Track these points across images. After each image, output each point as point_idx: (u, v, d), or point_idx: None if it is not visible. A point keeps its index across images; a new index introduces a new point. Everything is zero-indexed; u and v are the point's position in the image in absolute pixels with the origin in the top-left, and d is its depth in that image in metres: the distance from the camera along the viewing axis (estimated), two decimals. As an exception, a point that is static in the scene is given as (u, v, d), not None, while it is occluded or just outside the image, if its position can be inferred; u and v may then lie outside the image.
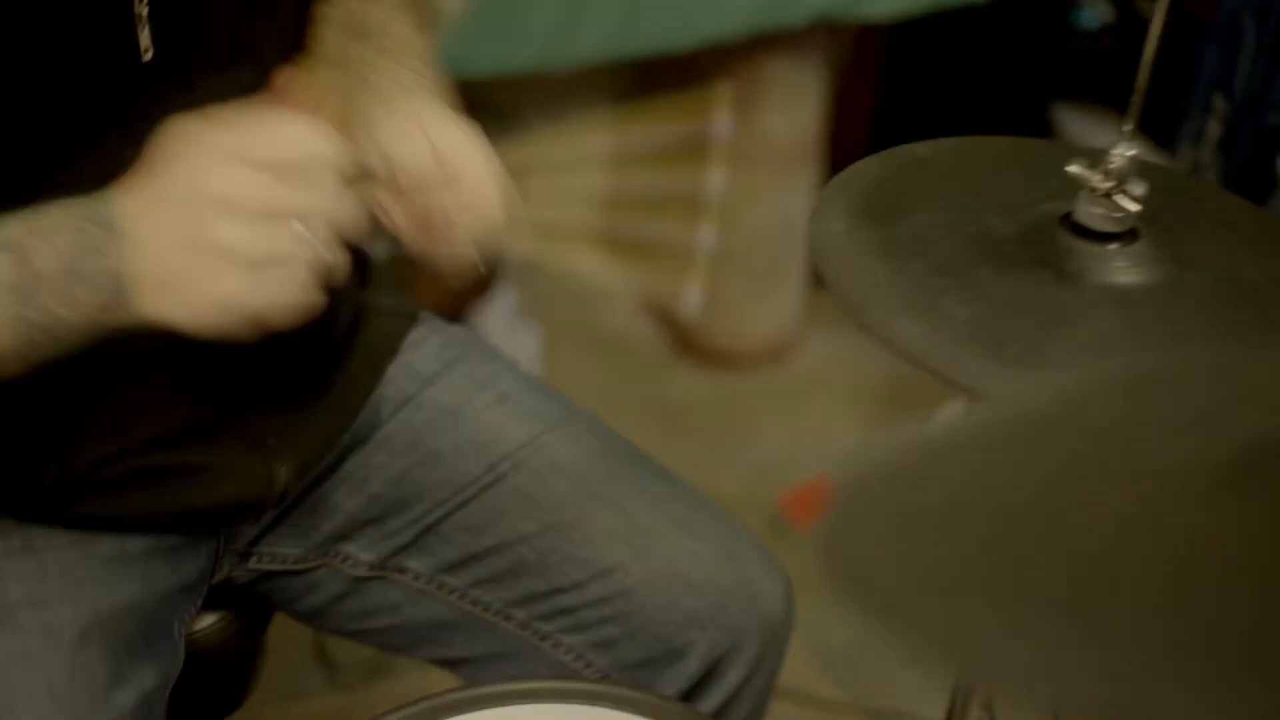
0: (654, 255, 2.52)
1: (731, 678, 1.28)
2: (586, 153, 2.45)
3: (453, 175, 1.14)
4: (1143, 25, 1.35)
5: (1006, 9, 2.38)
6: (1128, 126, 1.12)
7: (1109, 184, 1.10)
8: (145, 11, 1.04)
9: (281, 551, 1.32)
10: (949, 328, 1.03)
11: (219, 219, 0.97)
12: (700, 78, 2.34)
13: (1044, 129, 2.58)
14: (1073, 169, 1.11)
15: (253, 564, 1.32)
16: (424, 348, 1.35)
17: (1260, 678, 0.48)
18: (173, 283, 0.98)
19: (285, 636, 1.43)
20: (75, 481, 1.15)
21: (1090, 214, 1.12)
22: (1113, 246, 1.12)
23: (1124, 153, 1.10)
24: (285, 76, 1.15)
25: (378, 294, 1.34)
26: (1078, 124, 2.61)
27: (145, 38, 1.05)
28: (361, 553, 1.32)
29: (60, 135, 1.05)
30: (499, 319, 2.47)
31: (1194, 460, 0.57)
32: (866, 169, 1.21)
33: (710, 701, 1.28)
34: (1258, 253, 1.16)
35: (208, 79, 1.10)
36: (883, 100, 2.60)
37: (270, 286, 0.98)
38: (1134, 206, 1.10)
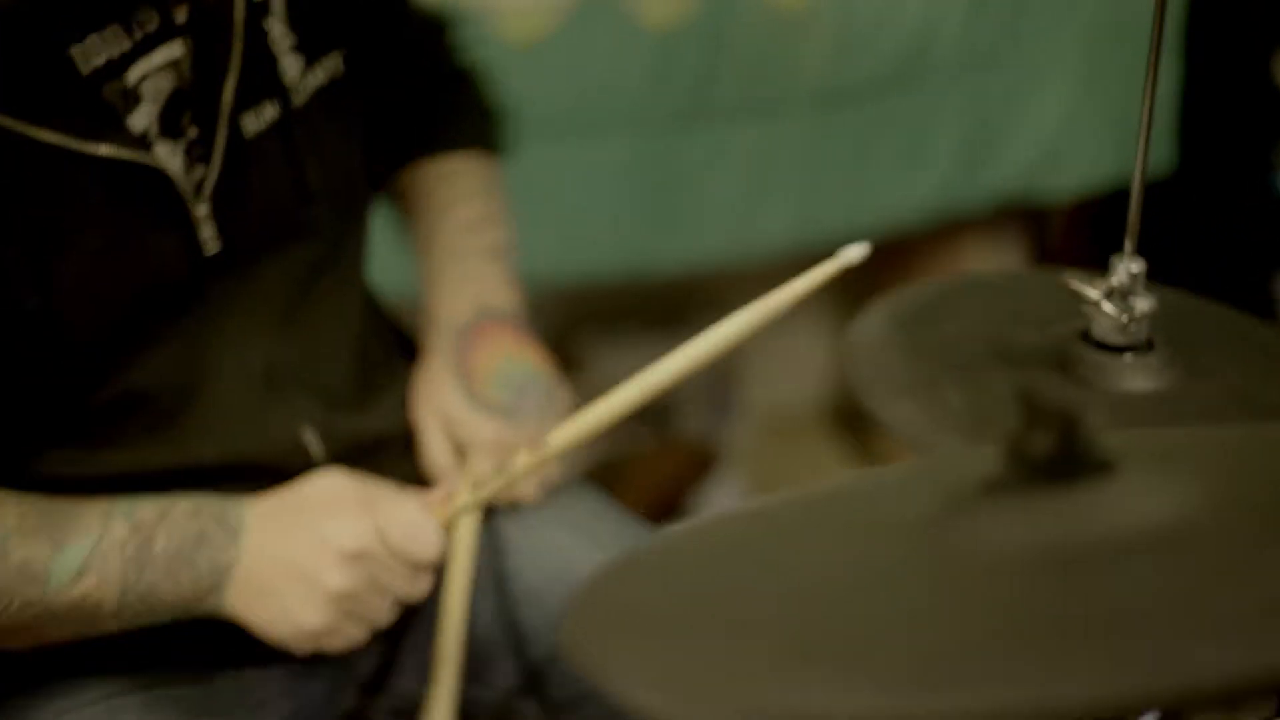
0: (882, 434, 2.62)
1: None
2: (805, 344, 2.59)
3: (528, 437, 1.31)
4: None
5: (1200, 178, 2.44)
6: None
7: (1111, 298, 1.20)
8: (205, 211, 1.21)
9: (403, 687, 1.38)
10: (941, 412, 1.14)
11: (334, 567, 1.16)
12: (904, 273, 2.44)
13: (1266, 300, 2.59)
14: (1074, 284, 1.21)
15: (381, 701, 1.39)
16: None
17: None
18: (269, 596, 1.17)
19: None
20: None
21: (1103, 326, 1.21)
22: (1125, 357, 1.21)
23: (1128, 268, 1.20)
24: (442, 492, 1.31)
25: None
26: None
27: (207, 233, 1.21)
28: (480, 693, 1.37)
29: (135, 329, 1.19)
30: (723, 498, 2.58)
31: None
32: (918, 292, 1.33)
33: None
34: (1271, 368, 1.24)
35: (270, 261, 1.27)
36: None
37: (346, 633, 1.19)
38: (1138, 312, 1.19)
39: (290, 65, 1.27)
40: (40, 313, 1.14)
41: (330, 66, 1.31)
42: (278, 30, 1.26)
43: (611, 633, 0.65)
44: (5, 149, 1.10)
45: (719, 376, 2.62)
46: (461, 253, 1.43)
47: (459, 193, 1.47)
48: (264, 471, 1.25)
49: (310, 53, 1.29)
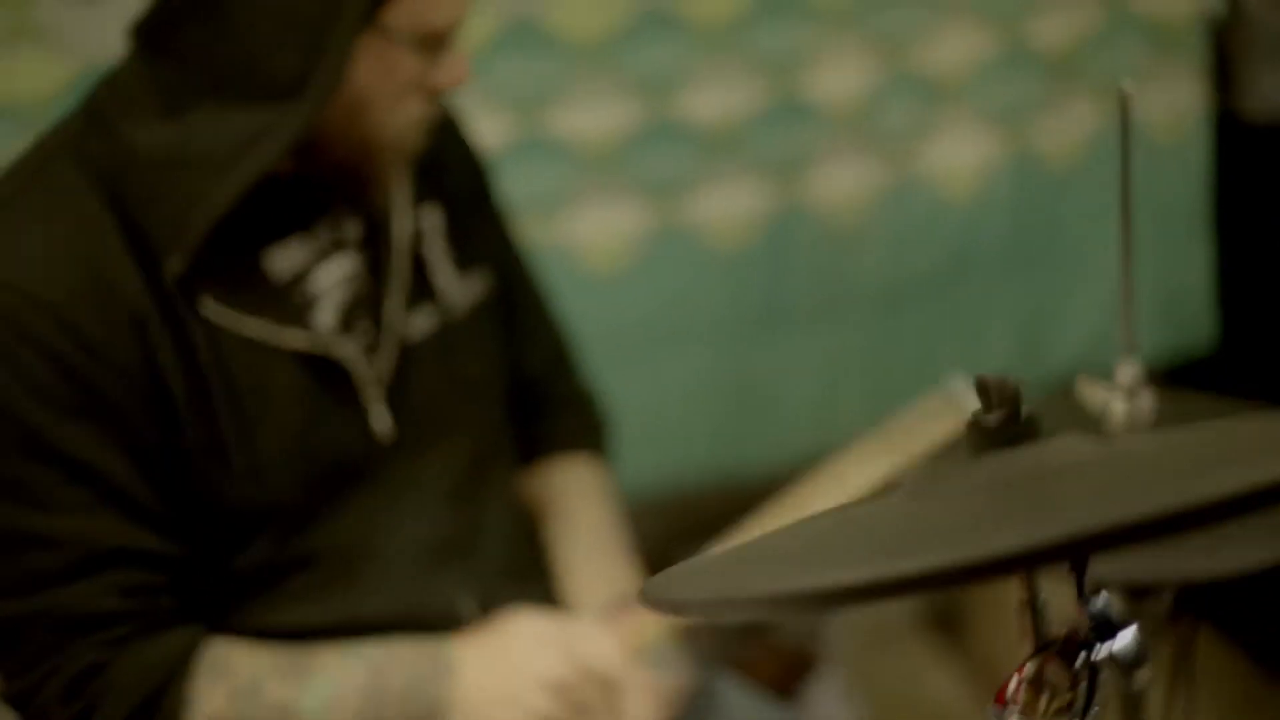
0: (976, 635, 2.73)
1: None
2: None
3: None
4: None
5: (1243, 354, 2.58)
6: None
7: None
8: (379, 401, 1.44)
9: None
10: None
11: (539, 694, 1.37)
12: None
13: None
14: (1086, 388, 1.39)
15: None
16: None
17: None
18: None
19: None
20: None
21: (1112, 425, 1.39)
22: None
23: (1129, 370, 1.38)
24: (622, 604, 1.51)
25: None
26: None
27: (381, 421, 1.45)
28: None
29: (323, 496, 1.42)
30: (823, 698, 2.71)
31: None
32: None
33: None
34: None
35: (436, 448, 1.49)
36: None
37: None
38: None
39: (448, 280, 1.50)
40: (246, 473, 1.36)
41: (482, 284, 1.55)
42: (437, 249, 1.51)
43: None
44: (219, 340, 1.34)
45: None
46: (594, 550, 1.63)
47: (586, 496, 1.69)
48: (424, 630, 1.44)
49: (465, 269, 1.53)
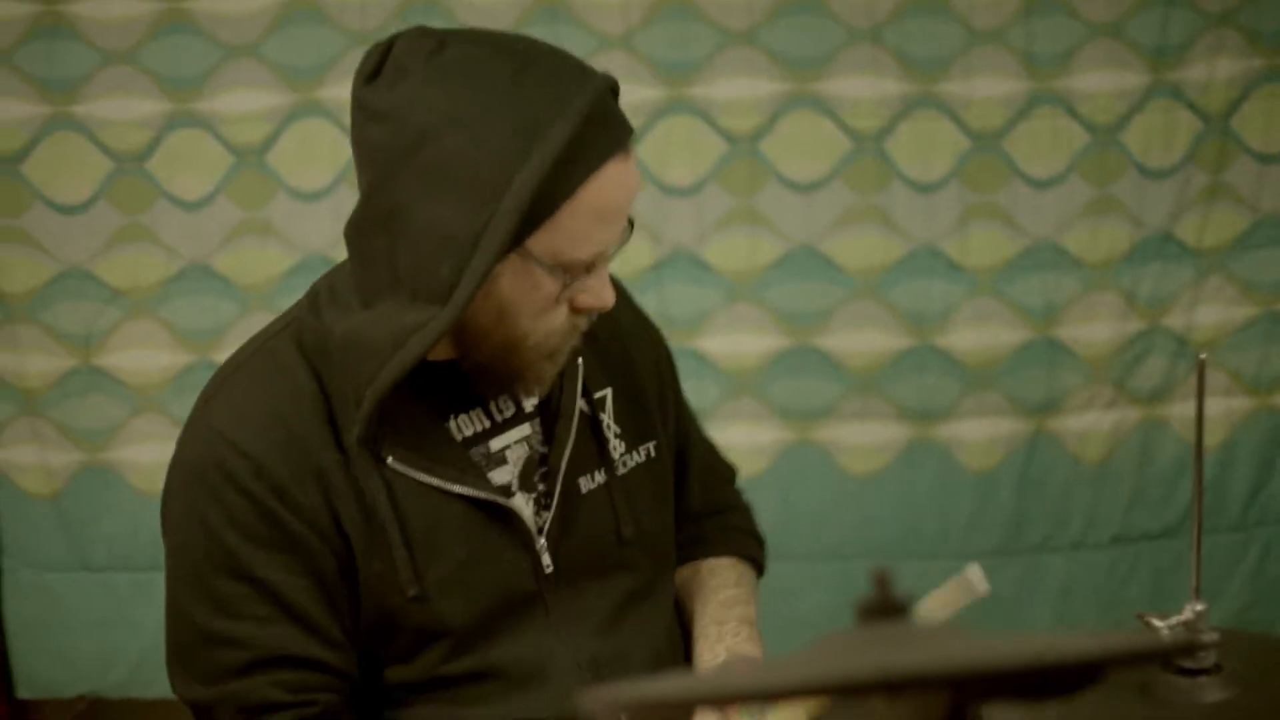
0: None
1: None
2: None
3: None
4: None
5: None
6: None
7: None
8: (544, 544, 1.68)
9: None
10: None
11: None
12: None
13: None
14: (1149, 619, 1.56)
15: None
16: None
17: None
18: None
19: None
20: None
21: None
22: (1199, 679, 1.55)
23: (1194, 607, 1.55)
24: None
25: None
26: None
27: (546, 559, 1.69)
28: None
29: (491, 622, 1.66)
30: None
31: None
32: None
33: None
34: None
35: (594, 585, 1.72)
36: None
37: None
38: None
39: (616, 447, 1.78)
40: (418, 600, 1.63)
41: (645, 451, 1.81)
42: (607, 420, 1.79)
43: None
44: (398, 487, 1.62)
45: None
46: (721, 619, 1.83)
47: (723, 580, 1.90)
48: None
49: (630, 441, 1.79)
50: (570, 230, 1.52)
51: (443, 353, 1.64)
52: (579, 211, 1.52)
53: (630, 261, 2.47)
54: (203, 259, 2.53)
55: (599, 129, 1.51)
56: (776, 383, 2.56)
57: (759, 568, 1.98)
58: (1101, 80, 2.49)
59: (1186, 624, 1.56)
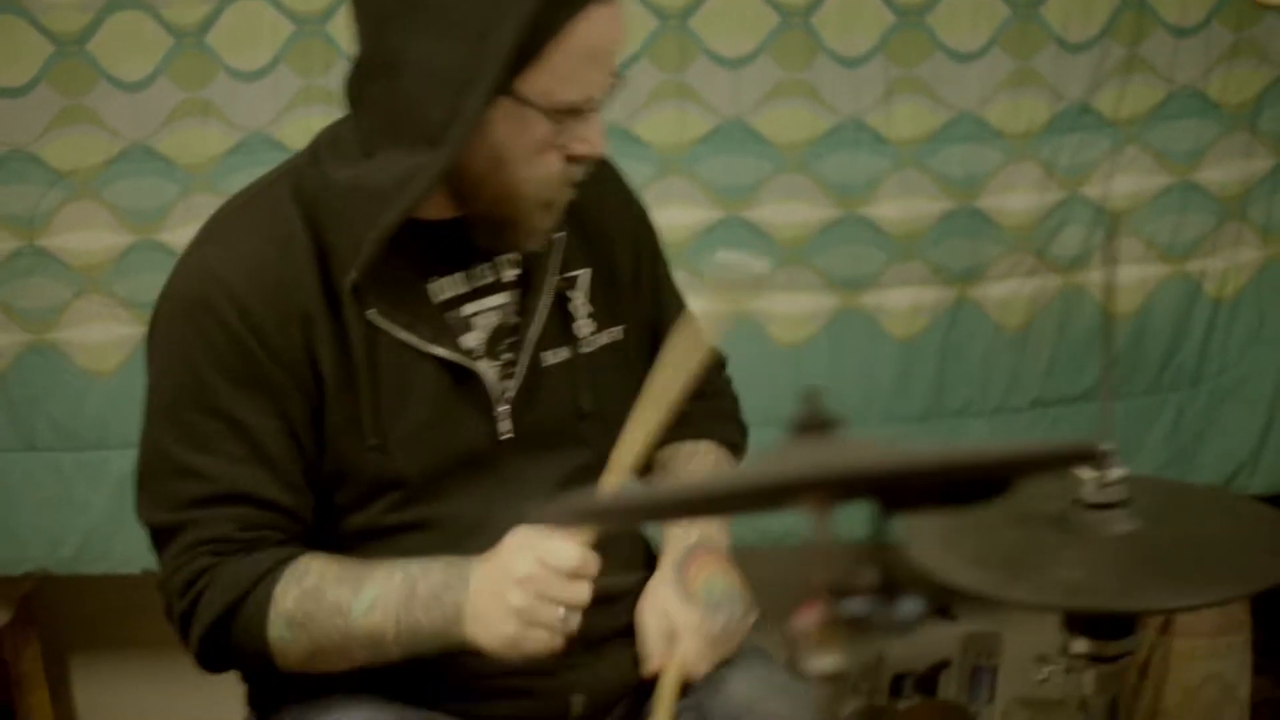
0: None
1: None
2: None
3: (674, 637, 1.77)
4: None
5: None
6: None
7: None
8: (505, 411, 1.76)
9: None
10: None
11: (514, 590, 1.63)
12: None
13: None
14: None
15: None
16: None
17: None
18: (481, 619, 1.65)
19: None
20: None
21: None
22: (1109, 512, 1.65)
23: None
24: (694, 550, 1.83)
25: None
26: None
27: (504, 425, 1.77)
28: None
29: (445, 479, 1.74)
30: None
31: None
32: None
33: None
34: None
35: (549, 456, 1.79)
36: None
37: (532, 637, 1.64)
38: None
39: (584, 326, 1.84)
40: (377, 451, 1.71)
41: (614, 333, 1.87)
42: (579, 300, 1.84)
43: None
44: (376, 340, 1.69)
45: (986, 658, 3.02)
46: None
47: (700, 465, 1.98)
48: None
49: (600, 321, 1.85)
50: (560, 69, 1.59)
51: (438, 210, 1.71)
52: (568, 50, 1.59)
53: (565, 138, 2.51)
54: (144, 140, 2.56)
55: None
56: (707, 255, 2.63)
57: (740, 455, 2.05)
58: (1020, -45, 2.56)
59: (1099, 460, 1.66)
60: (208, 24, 2.51)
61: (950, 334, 2.68)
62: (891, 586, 1.09)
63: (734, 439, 2.06)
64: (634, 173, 2.56)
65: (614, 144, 2.53)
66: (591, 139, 1.68)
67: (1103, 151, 2.65)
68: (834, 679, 1.08)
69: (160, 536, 1.73)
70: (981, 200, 2.63)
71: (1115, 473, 1.65)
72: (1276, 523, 1.70)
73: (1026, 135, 2.62)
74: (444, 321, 1.74)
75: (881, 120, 2.59)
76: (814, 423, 1.10)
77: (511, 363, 1.78)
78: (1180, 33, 2.61)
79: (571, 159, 1.68)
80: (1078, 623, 1.66)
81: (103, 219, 2.58)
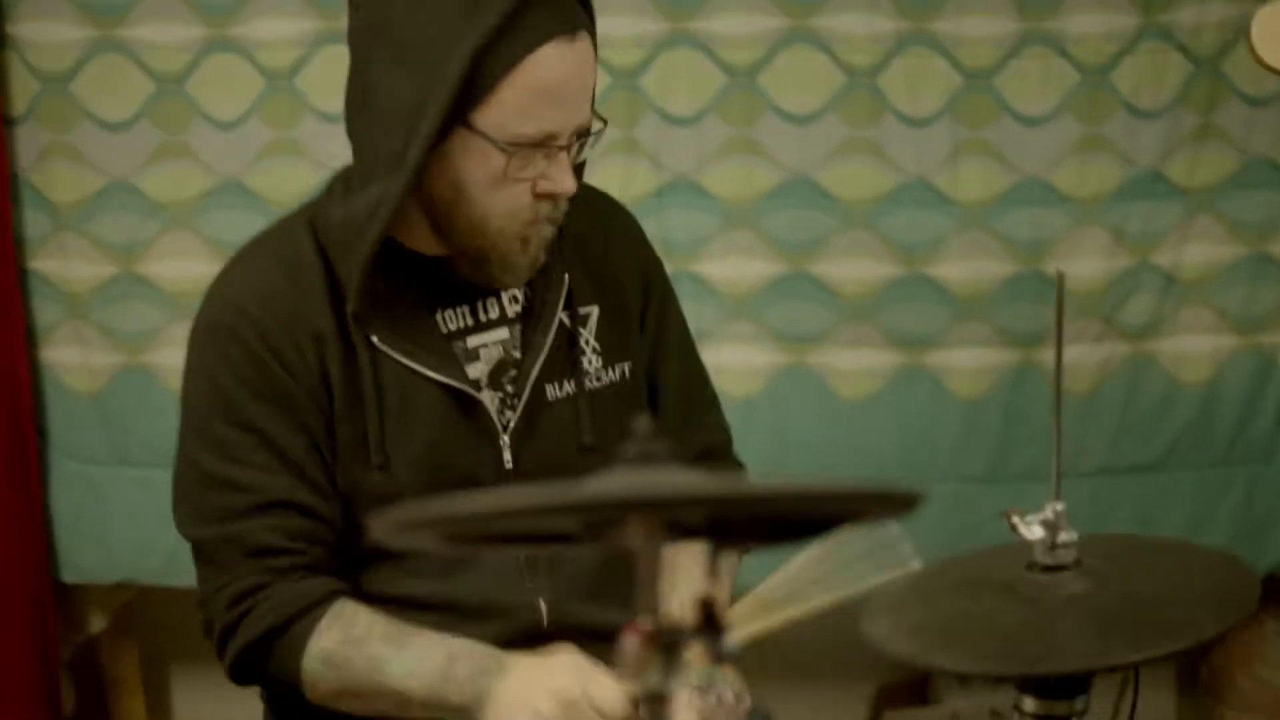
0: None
1: None
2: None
3: None
4: None
5: None
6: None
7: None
8: (506, 441, 1.83)
9: None
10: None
11: (547, 698, 1.68)
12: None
13: None
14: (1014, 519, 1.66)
15: None
16: None
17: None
18: (504, 707, 1.70)
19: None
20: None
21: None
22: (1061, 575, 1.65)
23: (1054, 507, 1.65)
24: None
25: None
26: None
27: (507, 456, 1.84)
28: None
29: None
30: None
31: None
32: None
33: None
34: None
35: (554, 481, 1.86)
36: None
37: None
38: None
39: (591, 361, 1.89)
40: (381, 472, 1.79)
41: (621, 370, 1.92)
42: (587, 336, 1.90)
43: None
44: (382, 364, 1.77)
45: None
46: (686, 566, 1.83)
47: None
48: (503, 618, 1.83)
49: (608, 358, 1.91)
50: (512, 105, 1.66)
51: (433, 245, 1.80)
52: (518, 86, 1.66)
53: (633, 188, 2.59)
54: (236, 176, 2.70)
55: (542, 8, 1.65)
56: (772, 307, 2.67)
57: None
58: (1091, 22, 2.56)
59: (1045, 522, 1.66)
60: (298, 67, 2.64)
61: (1014, 396, 2.68)
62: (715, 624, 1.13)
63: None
64: (700, 224, 2.66)
65: (681, 195, 2.65)
66: (555, 177, 1.73)
67: (1174, 219, 2.63)
68: (653, 699, 1.11)
69: (203, 550, 1.82)
70: (1048, 264, 2.62)
71: (1064, 535, 1.65)
72: (1229, 569, 1.70)
73: (1095, 200, 2.61)
74: (450, 351, 1.82)
75: (947, 181, 2.61)
76: (641, 455, 1.15)
77: (514, 395, 1.84)
78: (1254, 102, 2.58)
79: (540, 196, 1.73)
80: (1029, 683, 1.66)
81: (195, 249, 2.71)
